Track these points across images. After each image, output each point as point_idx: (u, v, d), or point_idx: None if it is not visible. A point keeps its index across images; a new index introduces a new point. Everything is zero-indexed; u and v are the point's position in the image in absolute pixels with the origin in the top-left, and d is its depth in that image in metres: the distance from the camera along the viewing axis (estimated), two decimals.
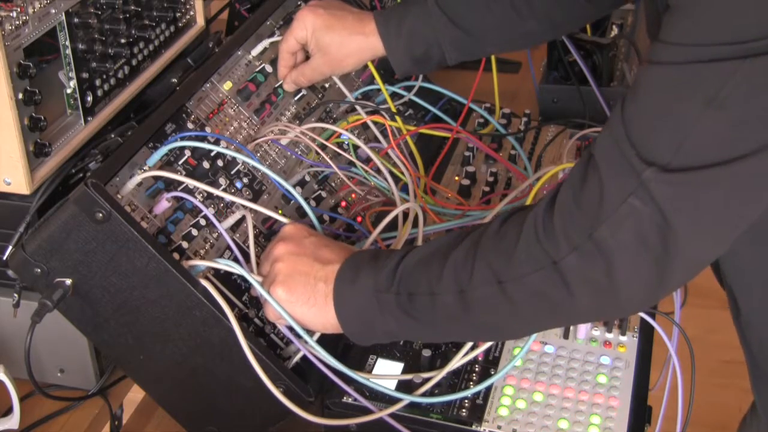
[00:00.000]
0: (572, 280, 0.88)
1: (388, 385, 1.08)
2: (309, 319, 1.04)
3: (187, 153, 1.15)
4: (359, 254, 1.05)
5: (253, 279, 1.06)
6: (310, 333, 1.06)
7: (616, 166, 0.85)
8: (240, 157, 1.20)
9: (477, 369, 1.12)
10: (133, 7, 1.26)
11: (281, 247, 1.06)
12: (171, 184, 1.11)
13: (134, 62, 1.28)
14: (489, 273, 0.92)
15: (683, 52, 0.81)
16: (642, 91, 0.85)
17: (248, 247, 1.12)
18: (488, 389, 1.09)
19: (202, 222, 1.12)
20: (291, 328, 1.06)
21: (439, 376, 1.08)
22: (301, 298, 1.03)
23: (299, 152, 1.32)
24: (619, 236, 0.84)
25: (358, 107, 1.42)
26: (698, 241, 0.85)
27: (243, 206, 1.15)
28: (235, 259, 1.10)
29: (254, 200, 1.20)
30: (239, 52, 1.33)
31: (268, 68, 1.35)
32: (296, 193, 1.20)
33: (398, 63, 1.31)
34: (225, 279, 1.09)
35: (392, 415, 1.06)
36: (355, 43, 1.30)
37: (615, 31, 1.75)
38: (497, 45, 1.35)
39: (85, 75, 1.17)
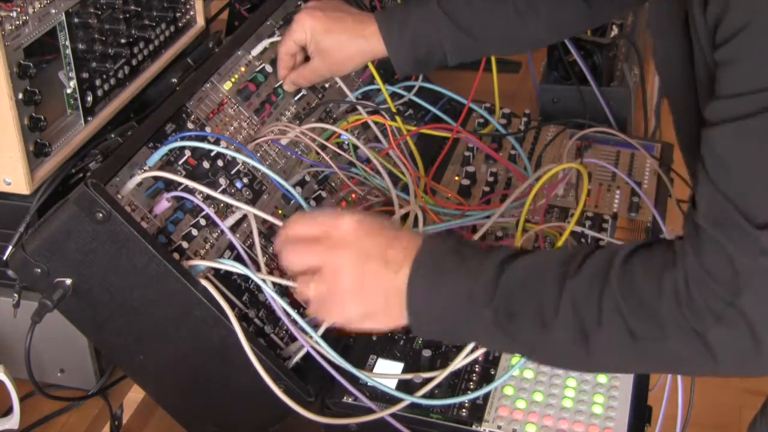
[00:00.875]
0: (719, 350, 0.86)
1: (388, 385, 1.08)
2: (380, 326, 0.99)
3: (187, 153, 1.15)
4: (436, 251, 0.96)
5: (258, 278, 1.06)
6: (315, 329, 1.06)
7: (732, 234, 0.83)
8: (240, 157, 1.20)
9: (477, 369, 1.12)
10: (133, 7, 1.26)
11: (342, 256, 0.96)
12: (171, 184, 1.11)
13: (134, 62, 1.28)
14: (621, 324, 0.88)
15: (752, 101, 0.79)
16: (725, 155, 0.83)
17: (249, 246, 1.12)
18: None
19: (203, 222, 1.12)
20: (294, 323, 1.06)
21: (441, 377, 1.08)
22: (374, 310, 0.97)
23: (299, 152, 1.32)
24: (760, 300, 0.84)
25: (358, 107, 1.42)
26: None
27: (242, 209, 1.15)
28: (238, 258, 1.10)
29: (254, 200, 1.20)
30: (239, 52, 1.33)
31: (268, 68, 1.35)
32: (296, 193, 1.20)
33: (400, 64, 1.30)
34: (225, 279, 1.09)
35: (392, 415, 1.06)
36: (355, 45, 1.30)
37: (615, 31, 1.75)
38: (499, 47, 1.35)
39: (85, 75, 1.17)
